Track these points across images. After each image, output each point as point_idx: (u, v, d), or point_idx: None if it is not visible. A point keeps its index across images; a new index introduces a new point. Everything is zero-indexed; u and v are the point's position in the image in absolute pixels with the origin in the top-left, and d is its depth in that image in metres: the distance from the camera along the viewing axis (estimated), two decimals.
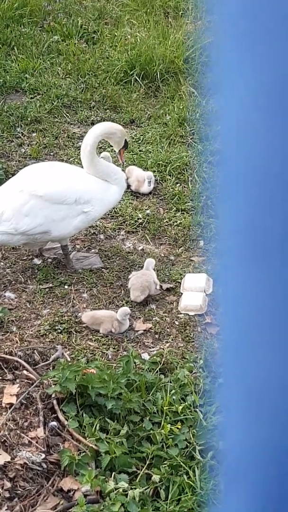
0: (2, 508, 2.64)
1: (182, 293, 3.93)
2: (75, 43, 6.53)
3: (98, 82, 6.02)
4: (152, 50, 6.10)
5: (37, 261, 4.18)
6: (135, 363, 3.25)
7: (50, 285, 4.00)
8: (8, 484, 2.71)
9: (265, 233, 0.89)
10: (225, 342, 1.01)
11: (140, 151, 5.19)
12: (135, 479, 2.84)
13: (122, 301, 3.90)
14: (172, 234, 4.45)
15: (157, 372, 3.32)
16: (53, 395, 3.05)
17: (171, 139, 5.34)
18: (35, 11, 6.91)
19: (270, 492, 0.99)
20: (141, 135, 5.42)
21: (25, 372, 3.21)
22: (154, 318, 3.79)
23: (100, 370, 3.13)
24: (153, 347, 3.61)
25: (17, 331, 3.61)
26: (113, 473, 2.81)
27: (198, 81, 5.82)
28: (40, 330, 3.64)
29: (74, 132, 5.48)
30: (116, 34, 6.63)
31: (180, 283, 4.00)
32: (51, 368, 3.29)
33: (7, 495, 2.68)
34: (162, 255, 4.27)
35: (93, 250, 4.32)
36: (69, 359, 3.38)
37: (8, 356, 3.28)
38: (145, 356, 3.50)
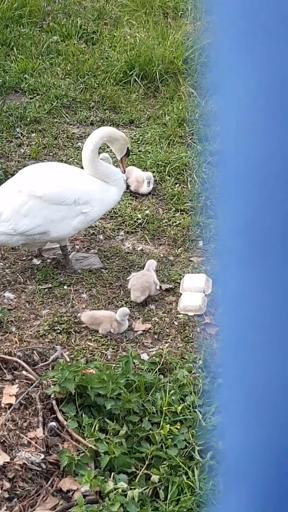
0: (1, 509, 2.64)
1: (181, 294, 3.93)
2: (74, 44, 6.53)
3: (98, 82, 6.02)
4: (151, 50, 6.10)
5: (36, 261, 4.18)
6: (134, 363, 3.25)
7: (50, 285, 4.00)
8: (7, 485, 2.71)
9: (264, 234, 0.90)
10: (224, 342, 1.01)
11: (139, 151, 5.19)
12: (134, 479, 2.84)
13: (121, 301, 3.90)
14: (171, 234, 4.45)
15: (156, 372, 3.32)
16: (52, 396, 3.04)
17: (171, 139, 5.34)
18: (34, 11, 6.91)
19: (269, 492, 0.99)
20: (140, 136, 5.43)
21: (24, 372, 3.21)
22: (153, 319, 3.79)
23: (99, 371, 3.13)
24: (152, 348, 3.61)
25: (16, 332, 3.61)
26: (112, 473, 2.81)
27: (198, 81, 5.82)
28: (39, 331, 3.64)
29: (73, 133, 5.48)
30: (115, 34, 6.63)
31: (179, 283, 4.00)
32: (50, 368, 3.29)
33: (6, 495, 2.68)
34: (162, 255, 4.27)
35: (92, 251, 4.32)
36: (68, 360, 3.38)
37: (7, 357, 3.28)
38: (144, 356, 3.50)
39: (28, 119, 5.52)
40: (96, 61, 6.26)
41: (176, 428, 3.00)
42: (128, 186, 4.67)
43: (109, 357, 3.51)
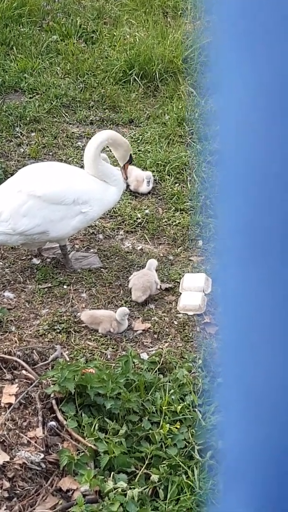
0: (1, 508, 2.64)
1: (181, 293, 3.93)
2: (74, 43, 6.53)
3: (97, 81, 6.02)
4: (151, 49, 6.10)
5: (36, 261, 4.18)
6: (134, 363, 3.25)
7: (49, 285, 4.00)
8: (7, 484, 2.71)
9: (264, 233, 0.90)
10: (224, 341, 1.01)
11: (139, 151, 5.19)
12: (134, 479, 2.84)
13: (121, 301, 3.90)
14: (171, 234, 4.45)
15: (156, 372, 3.32)
16: (52, 395, 3.04)
17: (170, 139, 5.34)
18: (34, 10, 6.91)
19: (269, 491, 1.00)
20: (140, 135, 5.43)
21: (24, 372, 3.21)
22: (153, 318, 3.79)
23: (99, 370, 3.13)
24: (152, 347, 3.61)
25: (16, 331, 3.61)
26: (112, 473, 2.81)
27: (197, 81, 5.82)
28: (39, 330, 3.64)
29: (73, 132, 5.48)
30: (115, 33, 6.63)
31: (179, 283, 4.00)
32: (50, 368, 3.29)
33: (6, 495, 2.68)
34: (161, 255, 4.27)
35: (92, 250, 4.32)
36: (68, 359, 3.38)
37: (7, 356, 3.28)
38: (144, 356, 3.50)
39: (27, 119, 5.52)
40: (95, 61, 6.25)
41: (176, 428, 3.00)
42: (127, 186, 4.67)
43: (108, 356, 3.51)
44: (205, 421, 3.01)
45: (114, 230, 4.49)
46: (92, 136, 5.41)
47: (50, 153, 5.19)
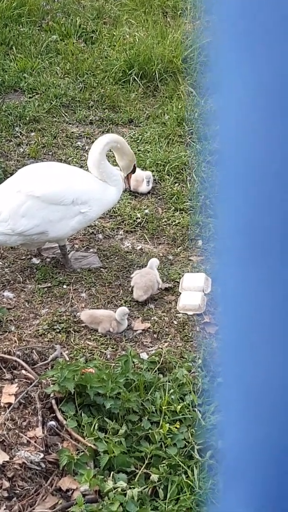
0: (0, 508, 2.64)
1: (180, 293, 3.93)
2: (73, 43, 6.53)
3: (97, 81, 6.02)
4: (150, 49, 6.10)
5: (35, 260, 4.18)
6: (133, 362, 3.26)
7: (49, 284, 4.00)
8: (6, 484, 2.71)
9: (263, 233, 0.90)
10: (224, 341, 1.01)
11: (138, 150, 5.18)
12: (134, 478, 2.84)
13: (120, 300, 3.90)
14: (170, 233, 4.45)
15: (155, 371, 3.32)
16: (51, 395, 3.05)
17: (170, 138, 5.34)
18: (33, 10, 6.90)
19: (269, 490, 1.00)
20: (139, 135, 5.43)
21: (23, 371, 3.21)
22: (152, 318, 3.80)
23: (98, 370, 3.13)
24: (151, 347, 3.61)
25: (15, 331, 3.61)
26: (112, 472, 2.81)
27: (197, 80, 5.82)
28: (38, 330, 3.64)
29: (72, 132, 5.48)
30: (114, 33, 6.63)
31: (179, 282, 4.00)
32: (49, 367, 3.29)
33: (5, 494, 2.69)
34: (161, 254, 4.27)
35: (91, 250, 4.32)
36: (67, 359, 3.38)
37: (6, 356, 3.28)
38: (144, 355, 3.50)
39: (27, 118, 5.52)
40: (95, 60, 6.25)
41: (176, 427, 3.00)
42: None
43: (108, 356, 3.51)
44: (204, 420, 3.01)
45: (113, 230, 4.49)
46: (91, 136, 5.43)
47: (50, 153, 5.19)
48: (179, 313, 3.83)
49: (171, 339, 3.66)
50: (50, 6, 7.03)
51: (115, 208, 4.58)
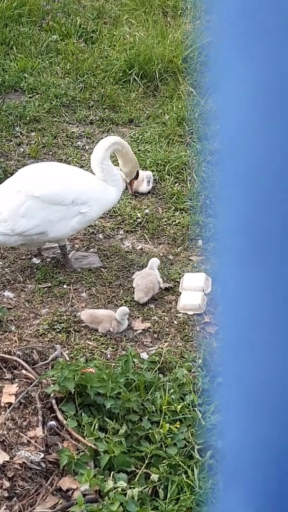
0: (1, 508, 2.64)
1: (180, 293, 3.93)
2: (73, 43, 6.53)
3: (97, 81, 6.02)
4: (150, 49, 6.10)
5: (36, 260, 4.18)
6: (133, 362, 3.26)
7: (49, 284, 4.00)
8: (7, 484, 2.71)
9: (263, 233, 0.90)
10: (224, 341, 1.01)
11: (139, 150, 5.18)
12: (134, 478, 2.84)
13: (121, 300, 3.90)
14: (171, 233, 4.45)
15: (155, 371, 3.32)
16: (52, 395, 3.05)
17: (170, 138, 5.34)
18: (33, 10, 6.91)
19: (268, 490, 1.00)
20: (139, 135, 5.43)
21: (24, 371, 3.21)
22: (153, 318, 3.80)
23: (99, 370, 3.13)
24: (152, 347, 3.61)
25: (16, 331, 3.62)
26: (112, 472, 2.81)
27: (197, 80, 5.82)
28: (39, 330, 3.64)
29: (72, 132, 5.48)
30: (114, 33, 6.63)
31: (179, 282, 4.00)
32: (50, 367, 3.29)
33: (6, 494, 2.69)
34: (161, 254, 4.27)
35: (92, 250, 4.32)
36: (68, 359, 3.38)
37: (7, 356, 3.28)
38: (144, 355, 3.51)
39: (27, 118, 5.52)
40: (95, 60, 6.25)
41: (176, 427, 3.00)
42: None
43: (108, 356, 3.51)
44: (205, 420, 3.01)
45: (114, 230, 4.49)
46: (92, 136, 5.43)
47: (50, 153, 5.19)
48: (179, 313, 3.83)
49: (171, 339, 3.66)
50: (50, 6, 7.03)
51: (115, 208, 4.58)
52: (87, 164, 5.02)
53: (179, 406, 3.08)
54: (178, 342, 3.64)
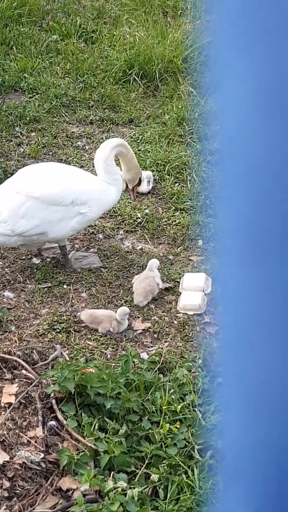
0: (1, 508, 2.64)
1: (181, 293, 3.93)
2: (74, 43, 6.53)
3: (97, 81, 6.02)
4: (151, 49, 6.10)
5: (36, 260, 4.19)
6: (134, 362, 3.26)
7: (49, 284, 4.00)
8: (7, 484, 2.71)
9: (264, 233, 0.90)
10: (224, 341, 1.01)
11: (139, 150, 5.18)
12: (134, 478, 2.84)
13: (121, 300, 3.90)
14: (171, 233, 4.45)
15: (156, 371, 3.32)
16: (52, 395, 3.05)
17: (170, 138, 5.34)
18: (33, 10, 6.91)
19: (268, 490, 1.00)
20: (140, 135, 5.43)
21: (24, 371, 3.21)
22: (153, 318, 3.80)
23: (99, 370, 3.13)
24: (152, 347, 3.61)
25: (16, 331, 3.62)
26: (112, 472, 2.81)
27: (197, 80, 5.82)
28: (39, 330, 3.64)
29: (72, 132, 5.48)
30: (115, 33, 6.63)
31: (179, 282, 4.00)
32: (50, 367, 3.29)
33: (6, 494, 2.69)
34: (161, 254, 4.27)
35: (92, 250, 4.32)
36: (68, 359, 3.38)
37: (7, 356, 3.28)
38: (144, 355, 3.50)
39: (27, 118, 5.52)
40: (95, 60, 6.25)
41: (176, 427, 3.00)
42: (127, 185, 4.67)
43: (108, 356, 3.51)
44: (205, 420, 3.01)
45: (114, 230, 4.49)
46: (92, 136, 5.43)
47: (50, 153, 5.19)
48: (179, 313, 3.83)
49: (171, 339, 3.66)
50: (51, 6, 7.03)
51: (115, 208, 4.58)
52: (87, 164, 5.03)
53: (179, 406, 3.08)
54: (178, 342, 3.64)
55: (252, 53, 0.84)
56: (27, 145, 5.27)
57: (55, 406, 3.02)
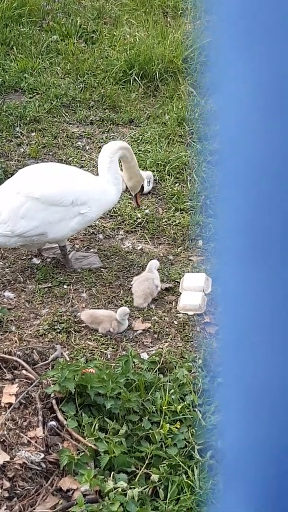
0: (1, 508, 2.64)
1: (181, 293, 3.93)
2: (74, 43, 6.53)
3: (97, 81, 6.02)
4: (151, 49, 6.10)
5: (36, 260, 4.19)
6: (134, 362, 3.26)
7: (49, 284, 4.00)
8: (7, 484, 2.71)
9: (264, 233, 0.90)
10: (224, 341, 1.01)
11: (139, 150, 5.19)
12: (134, 478, 2.84)
13: (121, 300, 3.90)
14: (171, 233, 4.46)
15: (156, 371, 3.32)
16: (52, 395, 3.05)
17: (170, 138, 5.34)
18: (34, 10, 6.91)
19: (268, 490, 1.00)
20: (140, 135, 5.43)
21: (24, 371, 3.21)
22: (153, 318, 3.80)
23: (99, 370, 3.13)
24: (152, 347, 3.61)
25: (16, 331, 3.62)
26: (112, 472, 2.81)
27: (197, 80, 5.82)
28: (39, 330, 3.64)
29: (73, 132, 5.48)
30: (115, 33, 6.63)
31: (179, 282, 4.00)
32: (50, 367, 3.29)
33: (6, 494, 2.69)
34: (161, 254, 4.27)
35: (92, 250, 4.32)
36: (68, 359, 3.38)
37: (7, 356, 3.28)
38: (144, 355, 3.50)
39: (27, 118, 5.52)
40: (95, 60, 6.25)
41: (176, 427, 3.00)
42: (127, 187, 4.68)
43: (108, 356, 3.51)
44: (205, 420, 3.01)
45: (114, 230, 4.49)
46: (92, 136, 5.43)
47: (50, 153, 5.19)
48: (180, 313, 3.83)
49: (171, 339, 3.66)
50: (51, 6, 7.04)
51: (115, 208, 4.59)
52: (87, 164, 5.03)
53: (179, 407, 3.08)
54: (178, 342, 3.64)
55: (252, 53, 0.84)
56: (27, 145, 5.27)
57: (55, 406, 3.02)
